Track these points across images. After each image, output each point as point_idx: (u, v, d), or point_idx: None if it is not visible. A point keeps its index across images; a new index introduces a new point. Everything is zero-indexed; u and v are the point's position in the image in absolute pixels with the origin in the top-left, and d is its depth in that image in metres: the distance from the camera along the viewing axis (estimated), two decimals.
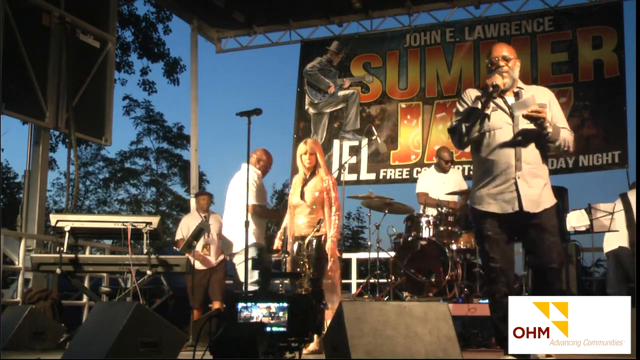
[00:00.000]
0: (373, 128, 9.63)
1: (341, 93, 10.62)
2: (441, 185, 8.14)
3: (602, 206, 7.01)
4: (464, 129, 4.51)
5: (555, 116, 4.49)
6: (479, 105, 4.41)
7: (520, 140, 4.39)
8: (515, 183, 4.37)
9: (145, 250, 5.86)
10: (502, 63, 4.51)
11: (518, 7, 9.87)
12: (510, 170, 4.39)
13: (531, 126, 4.32)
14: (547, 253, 4.35)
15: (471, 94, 4.56)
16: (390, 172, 10.06)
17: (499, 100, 4.45)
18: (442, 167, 8.30)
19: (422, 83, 10.21)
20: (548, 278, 4.39)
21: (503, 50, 4.60)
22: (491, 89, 4.34)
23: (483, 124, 4.46)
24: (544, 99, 4.48)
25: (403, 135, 10.17)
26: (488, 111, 4.41)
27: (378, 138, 9.90)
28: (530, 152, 4.41)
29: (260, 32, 11.05)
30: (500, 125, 4.43)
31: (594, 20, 9.39)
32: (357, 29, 10.70)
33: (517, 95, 4.49)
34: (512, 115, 4.39)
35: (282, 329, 4.19)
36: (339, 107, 10.62)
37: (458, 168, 9.33)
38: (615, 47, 9.17)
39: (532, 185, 4.39)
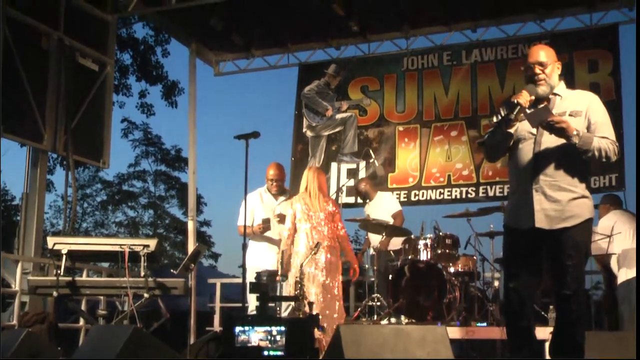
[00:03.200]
0: (371, 151, 9.67)
1: (339, 116, 10.65)
2: (364, 215, 8.59)
3: (600, 229, 6.97)
4: (490, 144, 4.37)
5: (596, 123, 4.14)
6: (510, 117, 4.12)
7: (541, 151, 4.13)
8: (531, 197, 4.12)
9: (142, 273, 5.85)
10: (537, 70, 4.21)
11: (515, 30, 9.94)
12: (527, 182, 4.15)
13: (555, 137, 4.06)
14: (560, 278, 4.08)
15: (505, 107, 4.27)
16: None
17: (528, 109, 4.15)
18: (363, 198, 8.99)
19: (419, 106, 10.24)
20: (561, 305, 4.16)
21: (539, 55, 4.25)
22: (510, 114, 4.10)
23: (509, 141, 4.23)
24: (580, 106, 4.19)
25: (401, 158, 10.18)
26: (512, 130, 4.18)
27: (376, 161, 9.92)
28: (554, 163, 4.11)
29: (258, 55, 11.09)
30: (524, 135, 4.20)
31: (590, 43, 9.43)
32: (355, 52, 10.76)
33: (536, 104, 4.16)
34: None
35: (279, 352, 4.18)
36: (337, 130, 10.65)
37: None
38: (611, 71, 9.20)
39: (553, 200, 4.08)
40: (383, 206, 8.68)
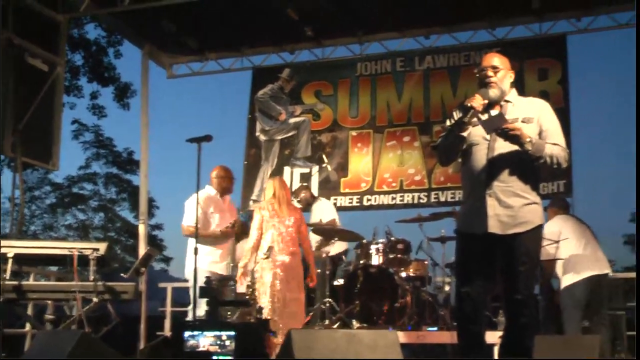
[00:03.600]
0: (324, 156, 9.69)
1: (292, 120, 10.63)
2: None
3: (547, 234, 7.08)
4: (443, 148, 4.39)
5: (547, 130, 4.24)
6: (464, 120, 4.16)
7: (494, 156, 4.17)
8: (484, 202, 4.15)
9: (92, 277, 5.76)
10: (490, 73, 4.29)
11: (467, 38, 10.06)
12: (481, 188, 4.18)
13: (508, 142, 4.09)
14: (513, 283, 4.12)
15: (458, 110, 4.30)
16: (341, 199, 10.07)
17: (481, 114, 4.19)
18: (306, 204, 8.96)
19: (372, 111, 10.28)
20: (512, 310, 4.20)
21: (493, 60, 4.35)
22: (464, 117, 4.13)
23: (461, 144, 4.26)
24: (532, 113, 4.26)
25: (353, 163, 10.21)
26: (465, 133, 4.21)
27: (328, 166, 9.95)
28: (508, 169, 4.16)
29: (212, 59, 11.01)
30: (478, 141, 4.24)
31: (540, 52, 9.60)
32: (309, 57, 10.75)
33: (489, 108, 4.21)
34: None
35: (228, 357, 4.15)
36: (290, 134, 10.63)
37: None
38: (560, 79, 9.39)
39: (506, 205, 4.13)
40: (319, 213, 8.69)
